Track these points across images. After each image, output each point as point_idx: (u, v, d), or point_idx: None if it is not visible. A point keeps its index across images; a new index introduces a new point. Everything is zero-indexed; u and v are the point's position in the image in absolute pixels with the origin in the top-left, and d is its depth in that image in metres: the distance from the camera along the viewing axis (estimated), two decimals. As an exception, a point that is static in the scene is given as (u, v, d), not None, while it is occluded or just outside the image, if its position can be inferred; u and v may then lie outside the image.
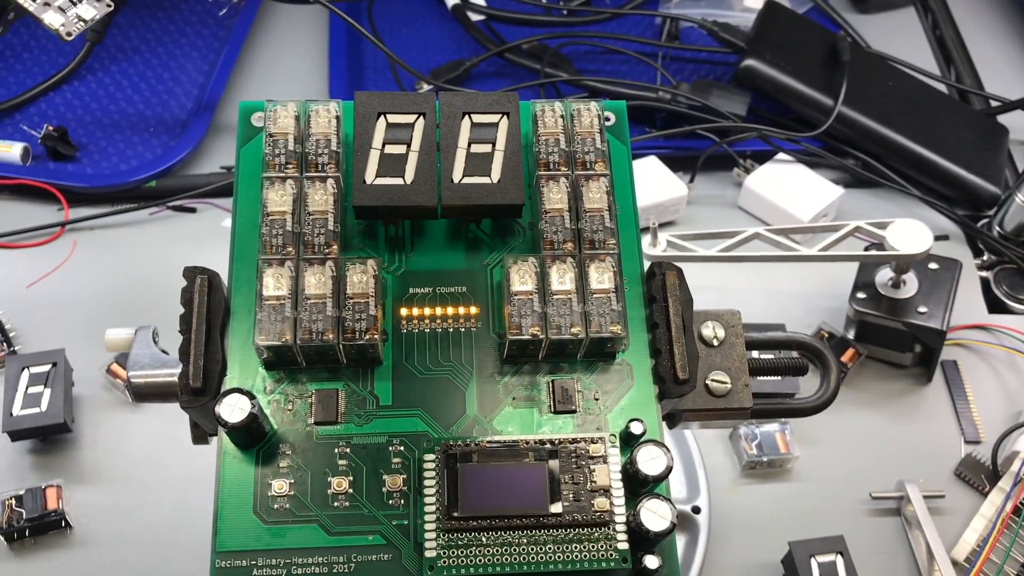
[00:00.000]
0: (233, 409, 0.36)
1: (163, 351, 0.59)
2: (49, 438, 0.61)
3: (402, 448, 0.39)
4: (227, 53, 0.80)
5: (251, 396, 0.37)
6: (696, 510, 0.59)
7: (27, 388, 0.60)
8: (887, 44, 0.86)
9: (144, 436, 0.61)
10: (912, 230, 0.63)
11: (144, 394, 0.44)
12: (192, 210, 0.73)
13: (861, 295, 0.66)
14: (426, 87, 0.80)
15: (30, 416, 0.59)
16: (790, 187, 0.75)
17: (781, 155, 0.77)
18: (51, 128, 0.73)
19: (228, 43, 0.81)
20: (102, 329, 0.66)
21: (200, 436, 0.45)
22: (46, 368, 0.61)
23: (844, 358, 0.67)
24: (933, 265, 0.67)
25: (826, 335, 0.68)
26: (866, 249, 0.66)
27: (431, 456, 0.38)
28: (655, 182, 0.74)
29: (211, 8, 0.85)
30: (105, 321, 0.67)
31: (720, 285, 0.71)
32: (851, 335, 0.68)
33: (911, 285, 0.66)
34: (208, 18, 0.84)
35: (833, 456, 0.63)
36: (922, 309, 0.65)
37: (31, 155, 0.74)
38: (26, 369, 0.60)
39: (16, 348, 0.64)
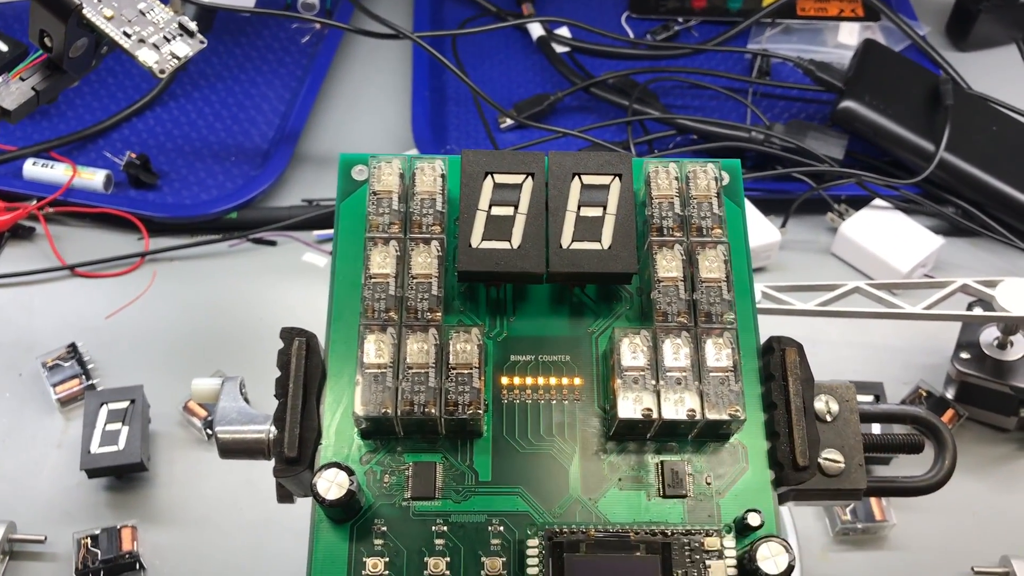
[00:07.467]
0: (331, 485, 0.35)
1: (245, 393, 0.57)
2: (125, 476, 0.60)
3: (502, 529, 0.37)
4: (310, 82, 0.79)
5: (350, 471, 0.35)
6: (787, 579, 0.57)
7: (105, 425, 0.59)
8: (988, 84, 0.82)
9: (220, 476, 0.60)
10: (1023, 290, 0.60)
11: (230, 450, 0.43)
12: (272, 243, 0.72)
13: (964, 355, 0.63)
14: (509, 121, 0.78)
15: (108, 455, 0.58)
16: (887, 235, 0.71)
17: (878, 201, 0.74)
18: (133, 155, 0.73)
19: (311, 72, 0.80)
20: (180, 363, 0.66)
21: (285, 496, 0.43)
22: (124, 405, 0.60)
23: (943, 419, 0.64)
24: (1043, 326, 0.63)
25: (924, 394, 0.65)
26: (970, 306, 0.63)
27: (534, 542, 0.36)
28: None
29: (294, 35, 0.84)
30: (183, 355, 0.66)
31: (813, 337, 0.68)
32: (951, 395, 0.64)
33: (1019, 346, 0.62)
34: (291, 45, 0.83)
35: (931, 525, 0.60)
36: (1031, 373, 0.61)
37: (113, 182, 0.73)
38: (104, 405, 0.60)
39: (94, 381, 0.63)
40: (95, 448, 0.58)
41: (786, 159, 0.74)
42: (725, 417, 0.36)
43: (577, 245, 0.39)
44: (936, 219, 0.75)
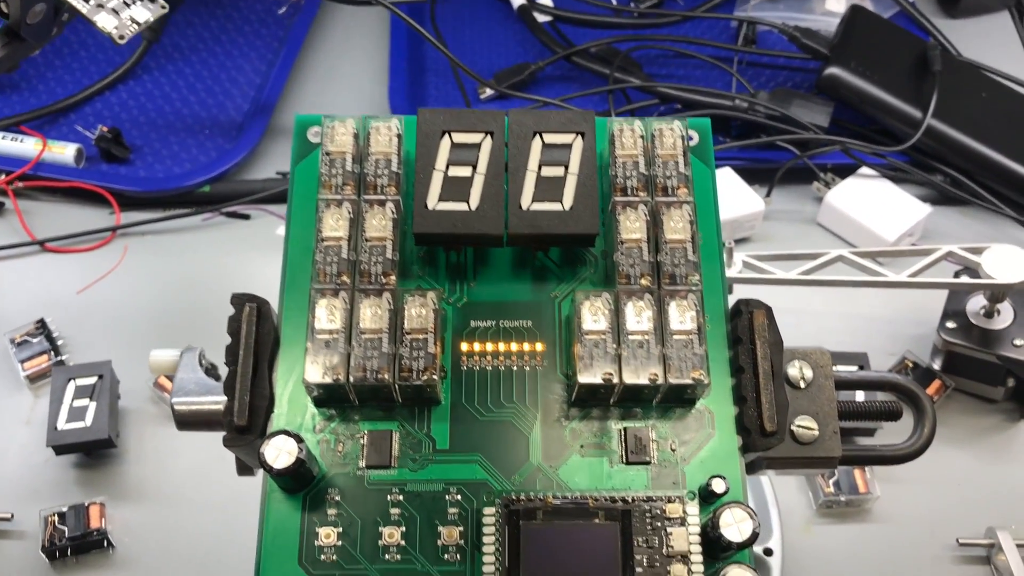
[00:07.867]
0: (279, 453, 0.34)
1: (212, 365, 0.56)
2: (94, 453, 0.59)
3: (459, 498, 0.35)
4: (285, 54, 0.77)
5: (299, 439, 0.34)
6: (768, 552, 0.55)
7: (72, 401, 0.58)
8: (979, 51, 0.80)
9: (190, 453, 0.59)
10: (1010, 256, 0.59)
11: (187, 422, 0.41)
12: (246, 216, 0.71)
13: (951, 324, 0.61)
14: (489, 92, 0.77)
15: (75, 431, 0.57)
16: (874, 204, 0.70)
17: (864, 169, 0.72)
18: (105, 129, 0.72)
19: (287, 43, 0.78)
20: (151, 339, 0.65)
21: (245, 468, 0.42)
22: (92, 380, 0.59)
23: (930, 390, 0.62)
24: (1031, 294, 0.62)
25: (911, 365, 0.64)
26: (957, 274, 0.61)
27: (491, 510, 0.34)
28: (730, 196, 0.70)
29: (270, 6, 0.83)
30: (154, 331, 0.65)
31: (797, 308, 0.67)
32: (937, 366, 0.63)
33: (1006, 315, 0.61)
34: (267, 17, 0.82)
35: (916, 497, 0.59)
36: (1018, 342, 0.60)
37: (84, 156, 0.72)
38: (72, 381, 0.59)
39: (63, 357, 0.62)
40: (62, 424, 0.57)
41: (771, 127, 0.72)
42: (688, 381, 0.35)
43: (537, 206, 0.38)
44: (924, 187, 0.73)
